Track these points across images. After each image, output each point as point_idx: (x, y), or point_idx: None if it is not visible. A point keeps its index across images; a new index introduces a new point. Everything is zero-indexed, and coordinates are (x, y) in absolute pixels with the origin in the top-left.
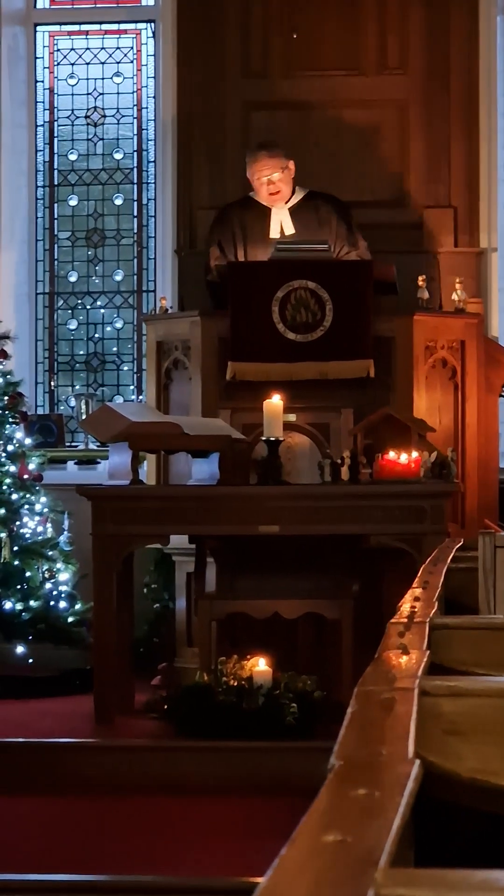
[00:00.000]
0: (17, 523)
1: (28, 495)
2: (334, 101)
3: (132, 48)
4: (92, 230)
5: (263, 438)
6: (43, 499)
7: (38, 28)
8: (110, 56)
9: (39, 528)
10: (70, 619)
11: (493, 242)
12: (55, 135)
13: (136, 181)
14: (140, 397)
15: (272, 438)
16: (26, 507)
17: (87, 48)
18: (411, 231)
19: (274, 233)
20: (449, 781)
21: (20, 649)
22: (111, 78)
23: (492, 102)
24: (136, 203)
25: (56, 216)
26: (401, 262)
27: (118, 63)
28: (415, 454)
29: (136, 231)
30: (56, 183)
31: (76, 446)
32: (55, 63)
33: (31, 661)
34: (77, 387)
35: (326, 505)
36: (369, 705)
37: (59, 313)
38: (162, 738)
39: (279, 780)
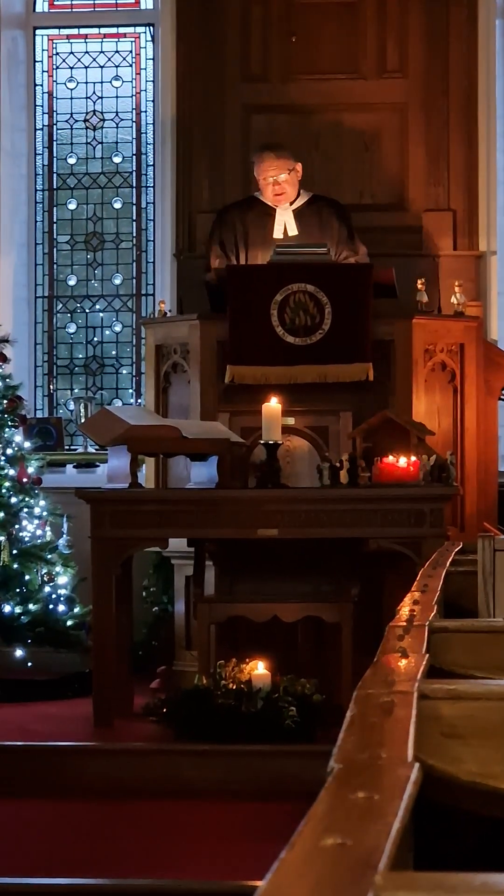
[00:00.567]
0: (17, 527)
1: (27, 499)
2: (334, 104)
3: (131, 52)
4: (91, 234)
5: (262, 442)
6: (42, 502)
7: (38, 32)
8: (109, 60)
9: (38, 532)
10: (69, 623)
11: (492, 246)
12: (54, 138)
13: (135, 185)
14: (139, 401)
15: (271, 442)
16: (25, 510)
17: (87, 52)
18: (411, 234)
19: (277, 233)
20: (448, 785)
21: (19, 653)
22: (110, 81)
23: (491, 106)
24: (135, 207)
25: (55, 220)
26: (400, 265)
27: (117, 67)
28: (414, 458)
29: (135, 235)
30: (55, 186)
31: (75, 450)
32: (54, 67)
33: (30, 664)
34: (76, 390)
35: (325, 508)
36: (369, 709)
37: (59, 317)
38: (161, 742)
39: (278, 784)
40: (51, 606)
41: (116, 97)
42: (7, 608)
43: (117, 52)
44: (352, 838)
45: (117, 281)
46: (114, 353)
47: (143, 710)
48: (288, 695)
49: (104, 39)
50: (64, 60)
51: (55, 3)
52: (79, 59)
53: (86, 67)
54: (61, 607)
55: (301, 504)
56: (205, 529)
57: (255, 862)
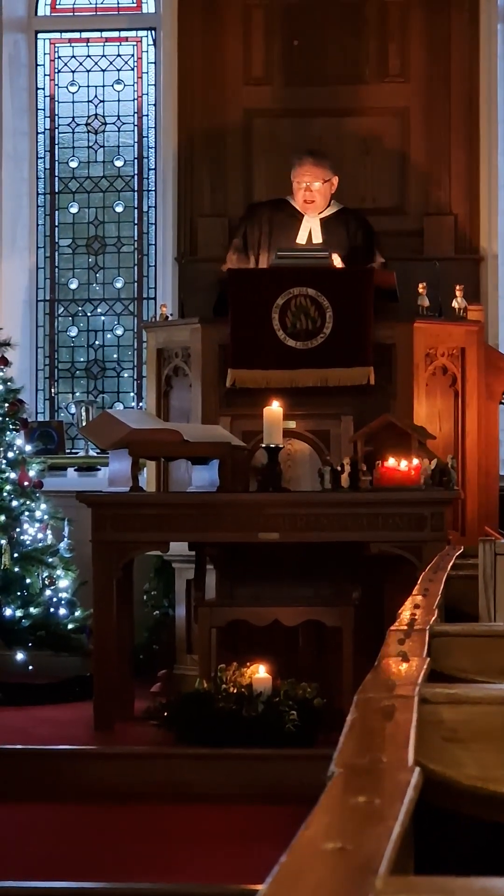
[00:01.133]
0: (18, 530)
1: (28, 502)
2: (335, 108)
3: (133, 56)
4: (92, 237)
5: (263, 445)
6: (43, 506)
7: (39, 36)
8: (111, 63)
9: (39, 535)
10: (70, 626)
11: (493, 249)
12: (56, 142)
13: (136, 188)
14: (140, 404)
15: (272, 445)
16: (26, 513)
17: (88, 55)
18: (412, 238)
19: (301, 238)
20: (449, 789)
21: (20, 656)
22: (112, 85)
23: (492, 110)
24: (136, 210)
25: (57, 223)
26: (401, 269)
27: (119, 70)
28: (415, 461)
29: (136, 238)
30: (57, 190)
31: (76, 453)
32: (56, 70)
33: (30, 667)
34: (77, 394)
35: (326, 512)
36: (369, 713)
37: (60, 320)
38: (162, 746)
39: (279, 788)
40: (52, 610)
41: (118, 101)
42: (8, 612)
43: (119, 55)
44: (352, 843)
45: (119, 284)
46: (115, 356)
47: (144, 714)
48: (288, 699)
49: (106, 43)
50: (66, 64)
51: (57, 6)
52: (80, 63)
53: (87, 71)
54: (62, 611)
55: (302, 508)
56: (206, 533)
57: (255, 866)
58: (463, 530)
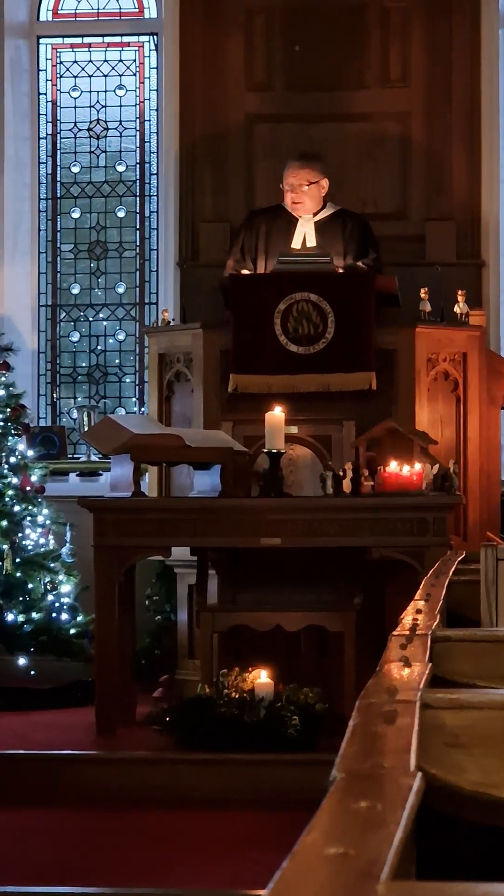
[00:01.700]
0: (20, 535)
1: (30, 507)
2: (337, 113)
3: (135, 61)
4: (94, 242)
5: (265, 450)
6: (45, 511)
7: (42, 41)
8: (113, 69)
9: (41, 540)
10: (72, 631)
11: (494, 254)
12: (58, 147)
13: (138, 193)
14: (142, 409)
15: (274, 450)
16: (28, 518)
17: (90, 61)
18: (413, 243)
19: (296, 243)
20: (451, 794)
21: (22, 661)
22: (114, 90)
23: (494, 115)
24: (138, 215)
25: (59, 228)
26: (403, 274)
27: (121, 75)
28: (417, 466)
29: (138, 243)
30: (59, 195)
31: (78, 458)
32: (58, 75)
33: (32, 672)
34: (79, 399)
35: (328, 517)
36: (371, 718)
37: (62, 325)
38: (163, 751)
39: (281, 793)
40: (54, 615)
41: (120, 106)
42: (10, 617)
43: (121, 61)
44: (354, 848)
45: (121, 290)
46: (117, 361)
47: (146, 719)
48: (290, 704)
49: (108, 48)
50: (68, 69)
51: (59, 11)
52: (82, 68)
53: (89, 76)
54: (64, 616)
55: (304, 513)
56: (207, 538)
57: (257, 871)
58: (465, 535)
